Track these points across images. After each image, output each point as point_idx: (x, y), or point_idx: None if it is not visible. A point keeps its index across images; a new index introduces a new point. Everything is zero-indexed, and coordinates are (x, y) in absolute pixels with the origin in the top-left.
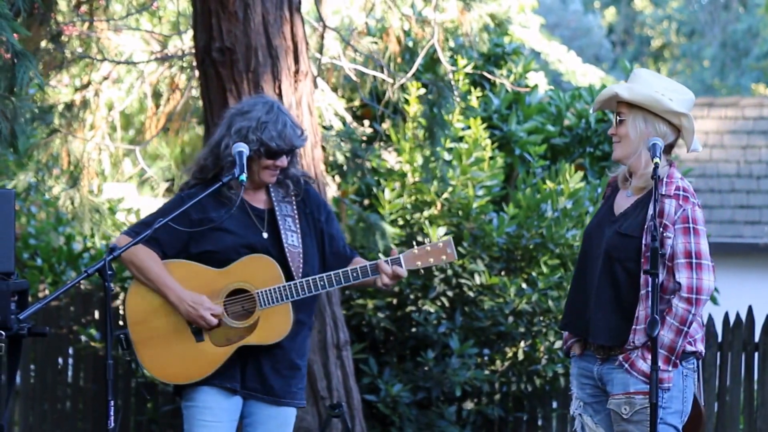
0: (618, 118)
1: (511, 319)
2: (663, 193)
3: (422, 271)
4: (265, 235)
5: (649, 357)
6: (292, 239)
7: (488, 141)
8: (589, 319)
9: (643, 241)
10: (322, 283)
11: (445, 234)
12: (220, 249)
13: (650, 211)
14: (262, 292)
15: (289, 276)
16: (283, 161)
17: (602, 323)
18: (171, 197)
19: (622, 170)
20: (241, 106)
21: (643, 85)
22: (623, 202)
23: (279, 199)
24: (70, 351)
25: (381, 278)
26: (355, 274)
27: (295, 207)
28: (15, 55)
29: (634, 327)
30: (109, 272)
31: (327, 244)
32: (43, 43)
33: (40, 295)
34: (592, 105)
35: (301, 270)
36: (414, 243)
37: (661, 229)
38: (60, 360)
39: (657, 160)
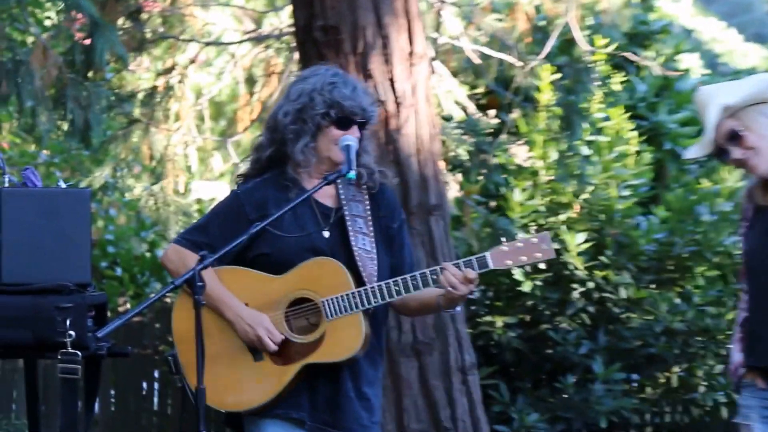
0: (738, 135)
1: (662, 339)
2: None
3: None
4: (326, 233)
5: None
6: (363, 242)
7: (633, 133)
8: None
9: None
10: (396, 288)
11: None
12: (277, 251)
13: None
14: (327, 300)
15: (360, 283)
16: (355, 131)
17: None
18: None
19: (752, 184)
20: (302, 73)
21: (730, 87)
22: None
23: (349, 197)
24: (156, 374)
25: (443, 280)
26: (434, 276)
27: (368, 207)
28: (92, 26)
29: None
30: (200, 283)
31: (393, 256)
32: (119, 21)
33: (121, 309)
34: (704, 148)
35: (375, 277)
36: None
37: None
38: (144, 384)
39: None
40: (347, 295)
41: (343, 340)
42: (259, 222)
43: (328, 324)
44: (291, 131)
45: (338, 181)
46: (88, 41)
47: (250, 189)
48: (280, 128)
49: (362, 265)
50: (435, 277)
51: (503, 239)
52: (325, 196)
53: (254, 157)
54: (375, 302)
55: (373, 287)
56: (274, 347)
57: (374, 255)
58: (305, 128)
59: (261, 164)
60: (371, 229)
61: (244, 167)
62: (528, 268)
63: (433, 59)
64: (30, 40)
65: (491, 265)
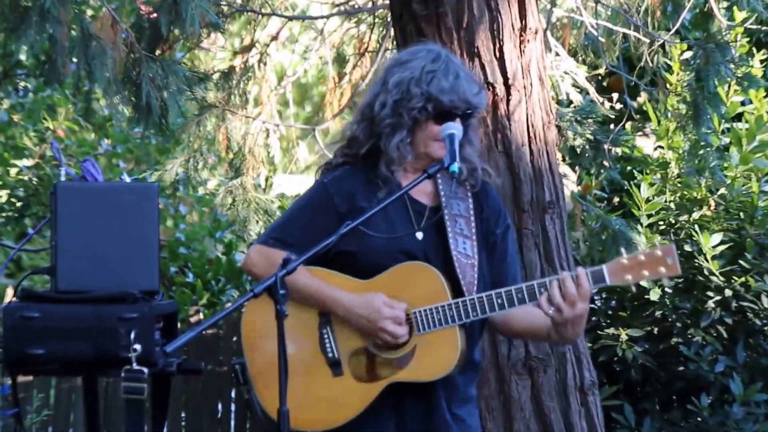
0: None
1: None
2: None
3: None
4: (419, 235)
5: None
6: (463, 246)
7: None
8: None
9: None
10: (499, 300)
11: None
12: (364, 251)
13: None
14: (420, 312)
15: (458, 293)
16: (456, 124)
17: None
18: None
19: None
20: (399, 56)
21: None
22: None
23: (449, 193)
24: (232, 394)
25: (542, 300)
26: (543, 289)
27: (471, 206)
28: None
29: None
30: (282, 291)
31: (493, 267)
32: None
33: (193, 320)
34: None
35: (474, 286)
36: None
37: None
38: (219, 405)
39: None
40: (442, 306)
41: (436, 356)
42: (350, 220)
43: (420, 338)
44: (387, 125)
45: (438, 175)
46: (154, 15)
47: (338, 178)
48: (377, 121)
49: (461, 271)
50: (544, 290)
51: (623, 250)
52: (421, 192)
53: (347, 152)
54: (474, 316)
55: (472, 299)
56: (405, 334)
57: (475, 261)
58: (402, 122)
59: (355, 159)
60: (474, 231)
61: (331, 159)
62: None
63: (546, 30)
64: (89, 13)
65: (608, 280)
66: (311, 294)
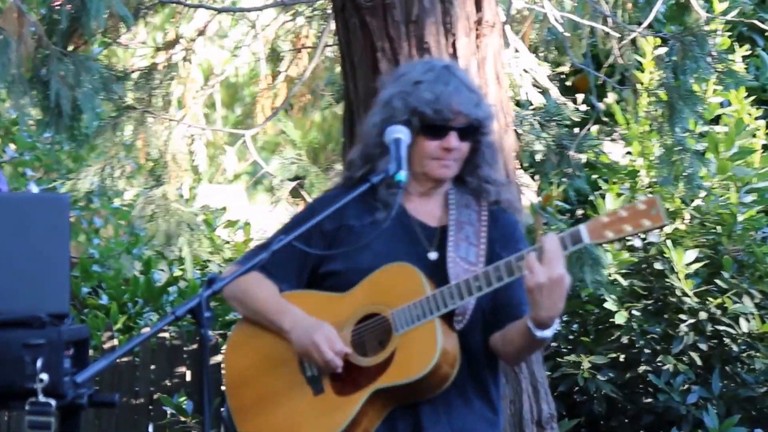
0: None
1: None
2: None
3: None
4: (432, 255)
5: None
6: (466, 251)
7: (760, 122)
8: None
9: None
10: (477, 283)
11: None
12: (350, 270)
13: None
14: (397, 312)
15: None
16: (452, 141)
17: None
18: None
19: None
20: (397, 69)
21: None
22: None
23: (460, 203)
24: (150, 428)
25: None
26: (521, 263)
27: (484, 219)
28: None
29: None
30: (207, 314)
31: (498, 293)
32: None
33: (106, 347)
34: None
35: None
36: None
37: None
38: None
39: None
40: (420, 301)
41: (415, 353)
42: (335, 232)
43: (399, 339)
44: (377, 144)
45: (450, 191)
46: (68, 6)
47: (328, 198)
48: (370, 142)
49: (454, 275)
50: (521, 263)
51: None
52: (428, 214)
53: (346, 175)
54: (452, 304)
55: (449, 287)
56: (335, 361)
57: (478, 270)
58: None
59: (352, 182)
60: (482, 240)
61: (332, 184)
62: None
63: (504, 24)
64: None
65: (586, 239)
66: (257, 306)
